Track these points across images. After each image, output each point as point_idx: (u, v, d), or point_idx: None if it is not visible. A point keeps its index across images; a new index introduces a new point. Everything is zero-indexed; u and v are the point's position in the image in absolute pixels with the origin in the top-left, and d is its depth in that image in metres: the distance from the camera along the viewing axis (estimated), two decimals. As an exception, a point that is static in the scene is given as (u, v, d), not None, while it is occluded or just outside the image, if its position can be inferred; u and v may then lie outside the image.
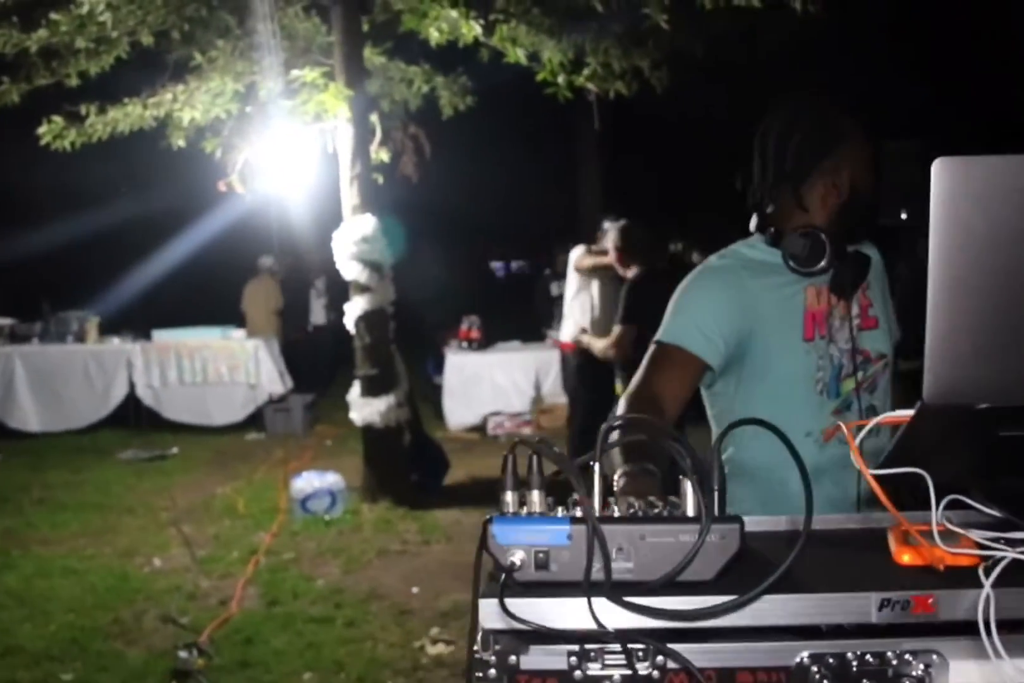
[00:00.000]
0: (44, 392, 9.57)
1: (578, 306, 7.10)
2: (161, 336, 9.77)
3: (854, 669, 1.20)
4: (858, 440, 1.30)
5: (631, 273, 5.77)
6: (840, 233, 2.10)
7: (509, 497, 1.20)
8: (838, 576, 1.23)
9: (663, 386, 2.02)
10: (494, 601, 1.12)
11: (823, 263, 2.07)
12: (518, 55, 6.47)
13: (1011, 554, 1.19)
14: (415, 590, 5.14)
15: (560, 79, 6.61)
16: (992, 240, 1.21)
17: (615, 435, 1.31)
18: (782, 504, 2.07)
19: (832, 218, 2.12)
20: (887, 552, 1.33)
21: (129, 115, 6.62)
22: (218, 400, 9.68)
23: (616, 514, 1.18)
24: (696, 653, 1.18)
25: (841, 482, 2.05)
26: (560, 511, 1.19)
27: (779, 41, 9.36)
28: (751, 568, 1.18)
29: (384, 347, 6.87)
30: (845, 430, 1.25)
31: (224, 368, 9.54)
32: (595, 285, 7.00)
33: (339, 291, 10.75)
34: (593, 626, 1.12)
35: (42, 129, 6.73)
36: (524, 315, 11.13)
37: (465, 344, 9.90)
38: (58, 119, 6.72)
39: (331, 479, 6.59)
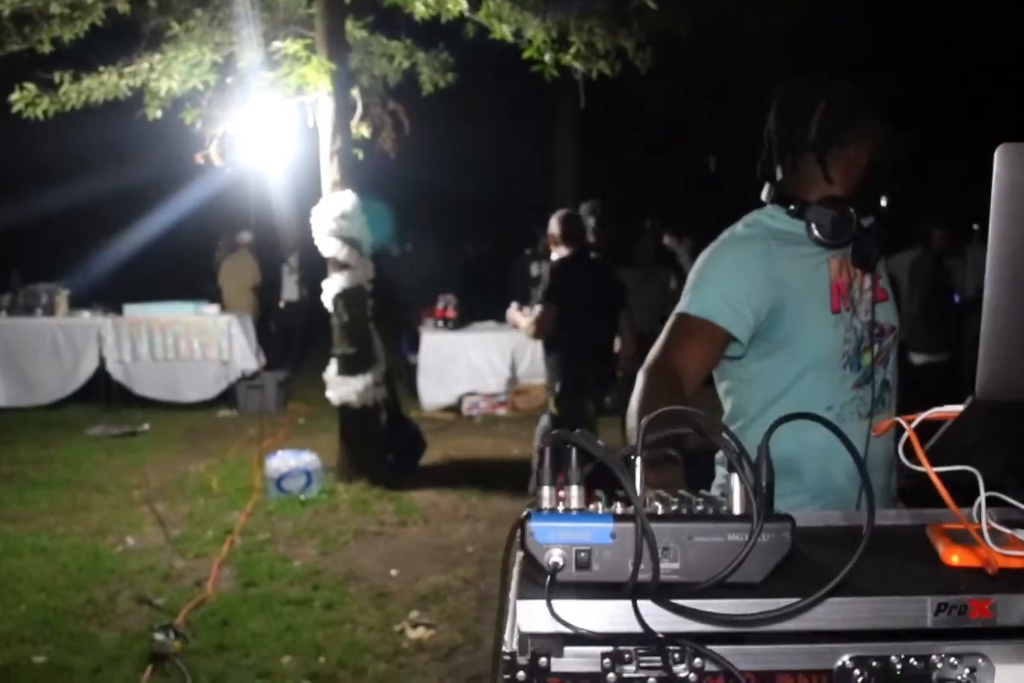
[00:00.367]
0: (11, 366, 9.40)
1: None
2: (132, 310, 9.59)
3: (898, 673, 1.15)
4: (902, 438, 1.24)
5: (557, 254, 5.85)
6: (862, 205, 2.08)
7: (547, 492, 1.13)
8: (888, 578, 1.17)
9: (686, 359, 1.96)
10: (535, 603, 1.05)
11: (848, 233, 2.05)
12: (504, 32, 6.36)
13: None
14: (393, 572, 5.08)
15: (547, 57, 6.52)
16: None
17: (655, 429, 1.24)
18: (825, 496, 2.04)
19: (852, 190, 2.11)
20: (930, 551, 1.28)
21: (104, 84, 6.46)
22: (190, 376, 9.55)
23: (659, 511, 1.12)
24: (734, 655, 1.12)
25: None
26: (599, 507, 1.13)
27: (764, 23, 9.32)
28: (796, 569, 1.13)
29: (362, 325, 6.78)
30: (907, 427, 1.19)
31: (196, 344, 9.40)
32: None
33: (313, 268, 10.66)
34: (636, 628, 1.06)
35: (14, 96, 6.55)
36: (500, 294, 11.08)
37: (441, 323, 9.83)
38: (31, 86, 6.55)
39: (307, 458, 6.51)
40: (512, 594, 1.15)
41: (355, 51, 7.25)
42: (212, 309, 9.85)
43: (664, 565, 1.07)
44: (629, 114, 16.07)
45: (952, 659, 1.16)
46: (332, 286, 6.64)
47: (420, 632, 4.34)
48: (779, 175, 2.14)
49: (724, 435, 1.14)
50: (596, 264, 6.07)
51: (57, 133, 8.24)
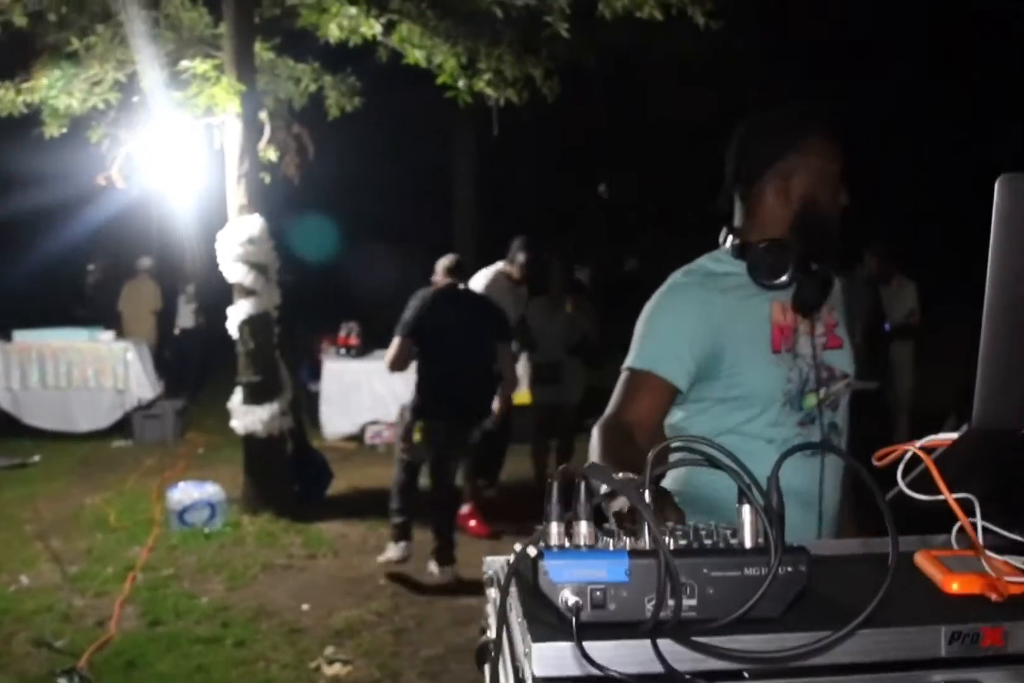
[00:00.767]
0: None
1: None
2: (22, 337, 9.21)
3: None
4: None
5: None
6: (806, 249, 2.07)
7: (555, 529, 1.08)
8: (896, 608, 1.14)
9: (638, 413, 1.98)
10: (555, 646, 1.00)
11: (785, 277, 2.03)
12: (417, 57, 6.33)
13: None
14: (305, 607, 4.94)
15: (460, 83, 6.50)
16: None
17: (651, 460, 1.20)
18: None
19: (793, 230, 2.08)
20: (924, 579, 1.26)
21: (0, 100, 6.21)
22: (83, 405, 9.17)
23: (671, 546, 1.07)
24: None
25: (808, 497, 2.03)
26: (609, 543, 1.08)
27: (672, 52, 9.48)
28: (807, 602, 1.10)
29: (268, 353, 6.62)
30: (924, 457, 1.17)
31: (90, 371, 9.05)
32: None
33: (210, 294, 10.40)
34: (656, 668, 1.01)
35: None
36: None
37: (343, 351, 9.66)
38: (-81, 100, 6.27)
39: (210, 490, 6.30)
40: (519, 637, 1.09)
41: (261, 73, 7.13)
42: (107, 335, 9.51)
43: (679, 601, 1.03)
44: (524, 139, 16.20)
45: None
46: (238, 313, 6.47)
47: (336, 668, 4.21)
48: (736, 217, 2.15)
49: (735, 465, 1.10)
50: (467, 297, 5.79)
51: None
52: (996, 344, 1.16)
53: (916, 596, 1.21)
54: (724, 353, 2.03)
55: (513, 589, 1.28)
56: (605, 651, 1.02)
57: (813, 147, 2.07)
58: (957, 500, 1.22)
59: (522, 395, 7.79)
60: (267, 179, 6.84)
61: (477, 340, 5.57)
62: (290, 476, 6.75)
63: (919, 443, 1.23)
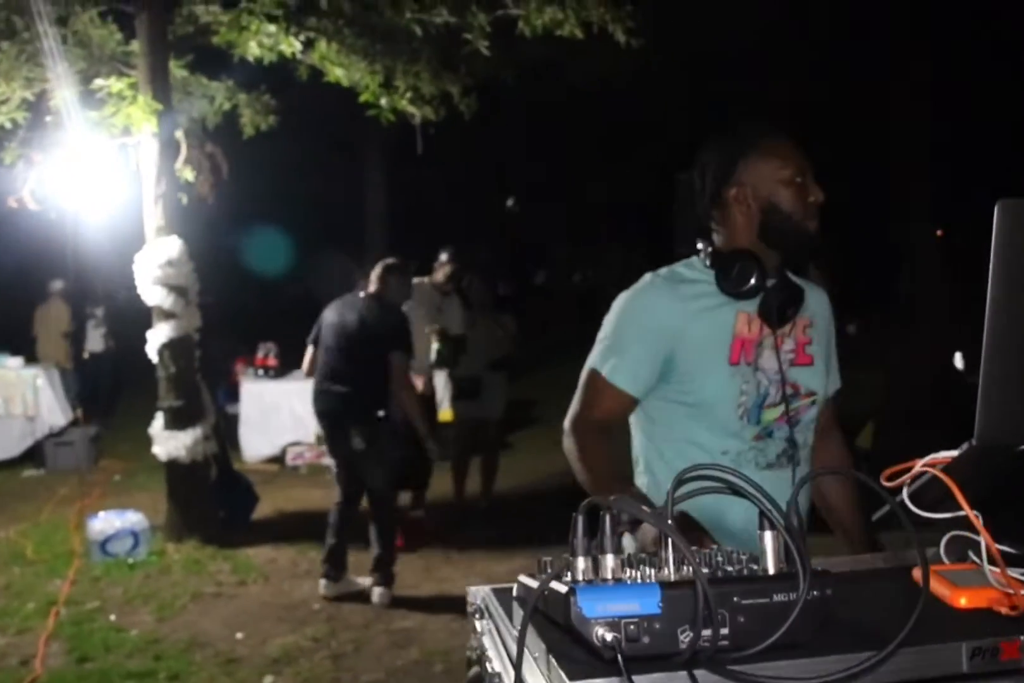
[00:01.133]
0: None
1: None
2: (-75, 364, 8.87)
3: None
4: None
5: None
6: (776, 256, 2.11)
7: (582, 564, 1.06)
8: (914, 626, 1.16)
9: (604, 415, 2.09)
10: (595, 682, 0.98)
11: (749, 285, 2.05)
12: (338, 75, 6.27)
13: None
14: (239, 635, 4.83)
15: (383, 101, 6.46)
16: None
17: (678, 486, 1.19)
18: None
19: (759, 239, 2.10)
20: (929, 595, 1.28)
21: (-102, 118, 5.98)
22: (-8, 434, 8.86)
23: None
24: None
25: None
26: (634, 575, 1.07)
27: (590, 72, 9.56)
28: (828, 625, 1.10)
29: (190, 377, 6.48)
30: (941, 476, 1.18)
31: (-1, 399, 8.76)
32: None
33: (121, 317, 10.15)
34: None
35: None
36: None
37: (262, 372, 9.51)
38: None
39: (132, 518, 6.13)
40: (541, 673, 1.07)
41: (174, 91, 7.00)
42: (15, 361, 9.20)
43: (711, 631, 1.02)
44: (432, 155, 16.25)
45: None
46: (158, 336, 6.32)
47: (278, 698, 4.12)
48: (712, 232, 2.19)
49: (757, 493, 1.10)
50: (364, 304, 5.54)
51: None
52: (997, 363, 1.19)
53: (928, 613, 1.22)
54: (677, 359, 2.06)
55: (501, 621, 1.27)
56: (643, 685, 1.01)
57: (762, 152, 2.09)
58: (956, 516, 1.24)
59: (445, 412, 7.77)
60: (184, 199, 6.70)
61: (361, 348, 5.39)
62: (215, 501, 6.61)
63: (924, 460, 1.25)
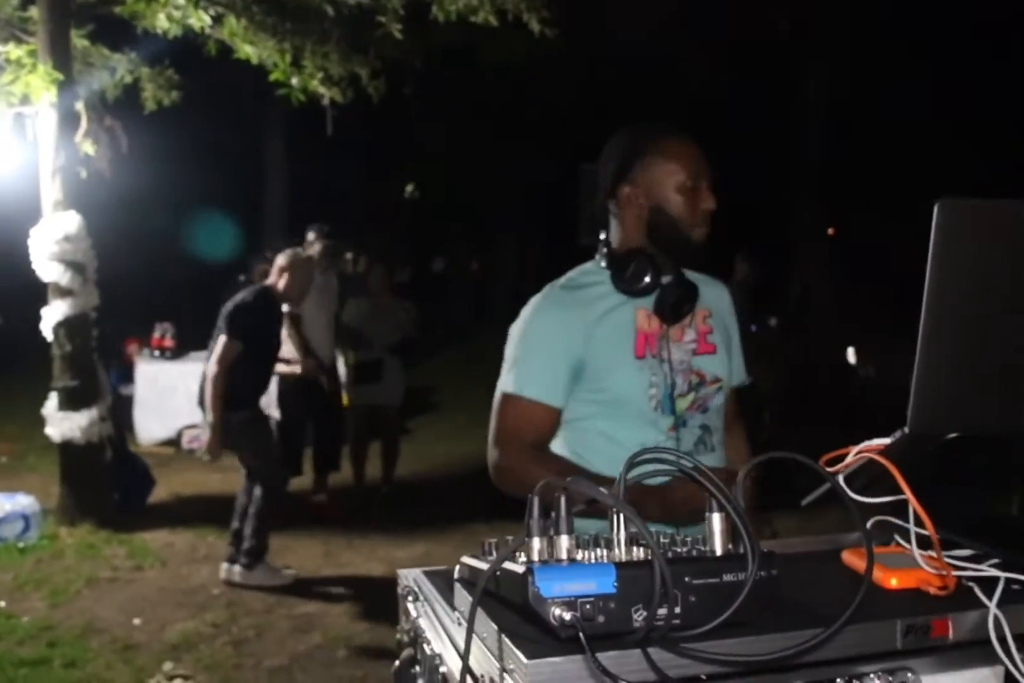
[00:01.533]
0: None
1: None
2: None
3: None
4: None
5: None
6: (672, 257, 2.15)
7: (537, 544, 1.08)
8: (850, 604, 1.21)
9: (535, 433, 2.12)
10: (550, 661, 1.00)
11: (644, 284, 2.10)
12: (247, 52, 6.15)
13: (1003, 575, 1.23)
14: (137, 621, 4.73)
15: (294, 81, 6.36)
16: (984, 280, 1.25)
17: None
18: None
19: (650, 239, 2.15)
20: (856, 575, 1.33)
21: None
22: None
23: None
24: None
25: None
26: (587, 556, 1.10)
27: (502, 58, 9.56)
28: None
29: (86, 356, 6.30)
30: (883, 462, 1.23)
31: None
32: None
33: (8, 293, 9.80)
34: (649, 677, 1.03)
35: None
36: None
37: (158, 353, 9.30)
38: None
39: (23, 501, 5.95)
40: (491, 653, 1.09)
41: (75, 61, 6.78)
42: None
43: (664, 610, 1.05)
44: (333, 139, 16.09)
45: (889, 676, 1.20)
46: (53, 314, 6.13)
47: (178, 684, 4.06)
48: (609, 231, 2.22)
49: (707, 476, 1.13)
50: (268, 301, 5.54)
51: None
52: (930, 358, 1.24)
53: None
54: (588, 360, 2.11)
55: (437, 603, 1.28)
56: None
57: (660, 155, 2.11)
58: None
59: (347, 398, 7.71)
60: (84, 174, 6.51)
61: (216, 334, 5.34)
62: (110, 484, 6.45)
63: (859, 447, 1.30)
